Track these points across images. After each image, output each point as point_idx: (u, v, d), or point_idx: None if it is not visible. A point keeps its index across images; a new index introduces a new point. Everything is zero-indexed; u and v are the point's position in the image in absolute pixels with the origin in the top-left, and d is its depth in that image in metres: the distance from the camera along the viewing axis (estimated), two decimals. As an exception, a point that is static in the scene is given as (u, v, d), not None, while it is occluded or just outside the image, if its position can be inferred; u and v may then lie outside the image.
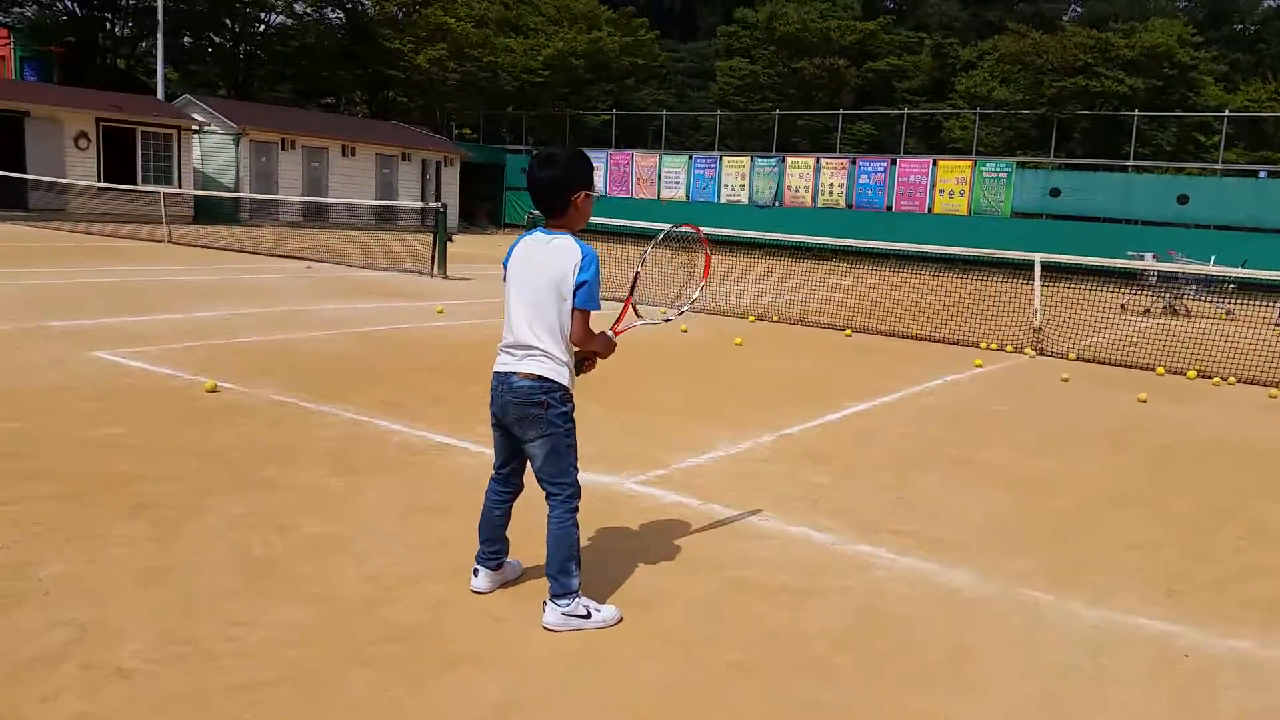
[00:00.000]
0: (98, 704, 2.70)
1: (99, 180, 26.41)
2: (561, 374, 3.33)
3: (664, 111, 41.88)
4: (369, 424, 5.96)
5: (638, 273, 3.90)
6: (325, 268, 16.65)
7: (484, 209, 38.59)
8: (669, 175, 36.69)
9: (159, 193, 22.64)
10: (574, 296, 3.26)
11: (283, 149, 31.26)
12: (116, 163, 27.20)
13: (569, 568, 3.34)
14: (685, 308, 4.11)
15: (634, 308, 3.86)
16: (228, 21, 37.93)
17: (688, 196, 36.12)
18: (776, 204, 34.26)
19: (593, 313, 3.32)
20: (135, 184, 26.75)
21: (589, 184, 3.38)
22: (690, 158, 36.74)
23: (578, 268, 3.25)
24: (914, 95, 42.33)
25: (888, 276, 22.58)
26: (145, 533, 3.97)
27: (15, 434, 5.25)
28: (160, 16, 30.84)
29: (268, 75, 41.17)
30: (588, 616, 3.35)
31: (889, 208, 32.28)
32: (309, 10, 39.73)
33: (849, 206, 33.08)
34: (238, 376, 7.04)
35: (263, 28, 39.55)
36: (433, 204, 16.57)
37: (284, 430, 5.72)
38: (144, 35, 35.01)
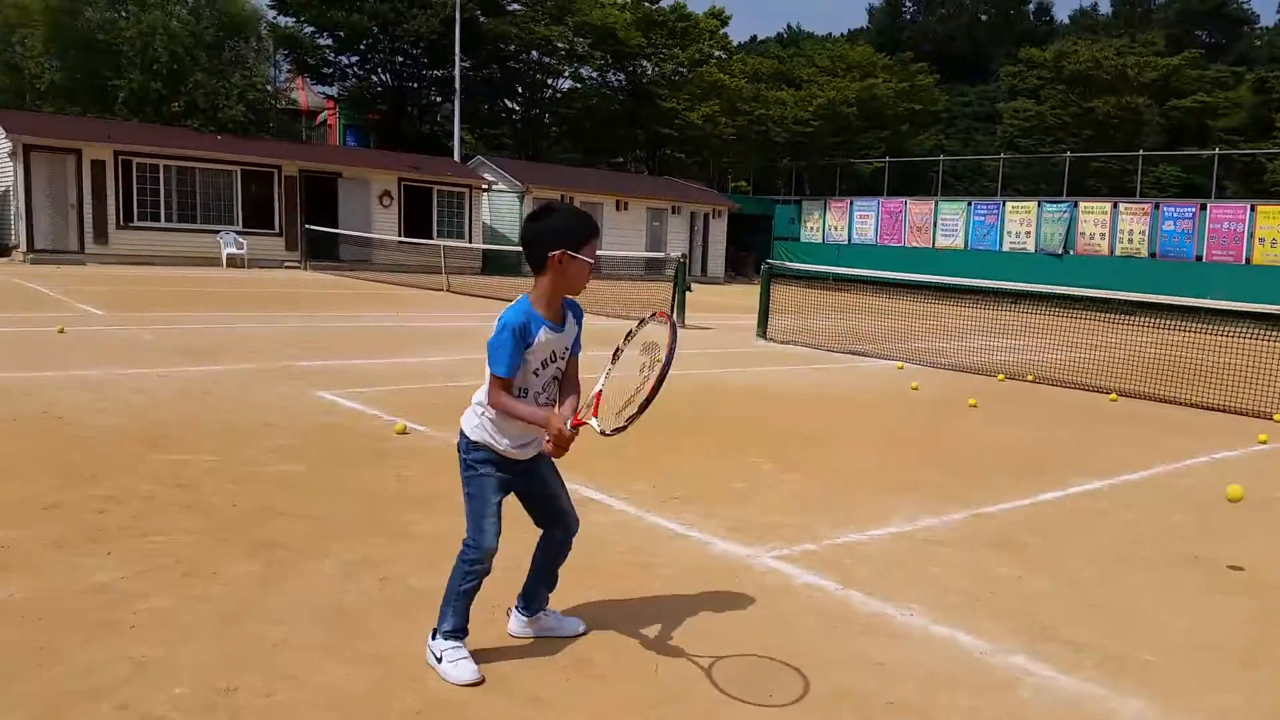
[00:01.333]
0: (107, 752, 2.68)
1: (399, 234, 29.05)
2: (468, 423, 3.30)
3: (941, 156, 40.25)
4: (528, 475, 5.87)
5: (615, 356, 3.24)
6: (573, 316, 17.18)
7: (750, 259, 38.76)
8: (945, 222, 35.09)
9: (439, 246, 24.51)
10: None
11: (561, 204, 33.00)
12: (416, 218, 29.84)
13: (444, 610, 3.30)
14: (623, 424, 3.06)
15: (596, 402, 3.16)
16: (519, 88, 40.85)
17: (966, 245, 34.35)
18: (1068, 252, 31.76)
19: (507, 380, 3.16)
20: (431, 238, 29.21)
21: (572, 244, 3.12)
22: (969, 204, 34.95)
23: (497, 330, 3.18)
24: (1231, 134, 37.97)
25: (1194, 335, 20.07)
26: (255, 573, 4.04)
27: (202, 468, 5.63)
28: (458, 85, 33.74)
29: (557, 136, 43.86)
30: (439, 661, 3.24)
31: (1199, 257, 28.97)
32: (593, 74, 42.03)
33: (1151, 255, 30.05)
34: (432, 419, 7.23)
35: (550, 93, 42.23)
36: (674, 254, 16.65)
37: (445, 476, 5.72)
38: (445, 102, 38.48)
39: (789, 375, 11.05)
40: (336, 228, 27.62)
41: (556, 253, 3.09)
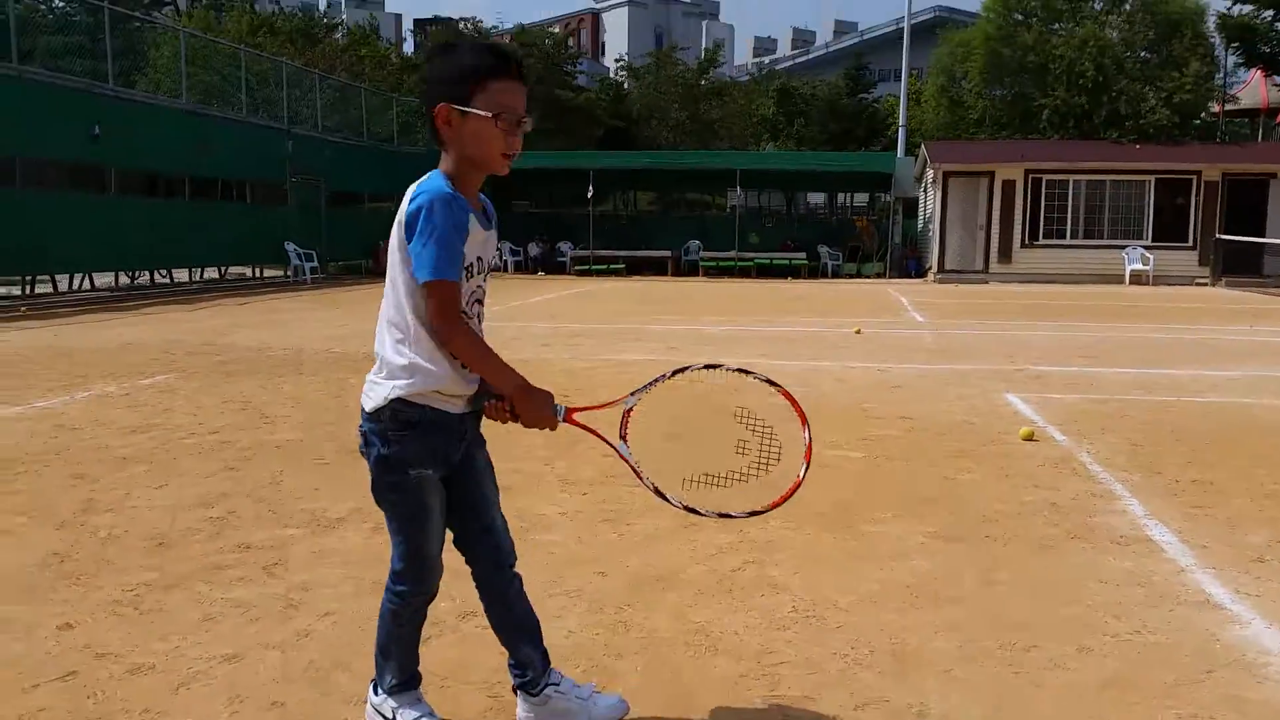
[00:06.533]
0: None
1: (1355, 241, 23.86)
2: (379, 390, 2.17)
3: None
4: (1111, 499, 4.54)
5: (663, 377, 2.40)
6: None
7: None
8: None
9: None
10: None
11: None
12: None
13: (379, 658, 2.40)
14: (704, 513, 2.37)
15: (625, 420, 2.41)
16: None
17: None
18: None
19: (455, 288, 2.09)
20: None
21: (457, 92, 2.08)
22: None
23: (404, 220, 2.09)
24: None
25: None
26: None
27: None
28: None
29: None
30: None
31: None
32: None
33: None
34: (1093, 433, 6.01)
35: None
36: None
37: (1006, 484, 4.80)
38: None
39: None
40: (1263, 236, 23.99)
41: (441, 109, 2.10)
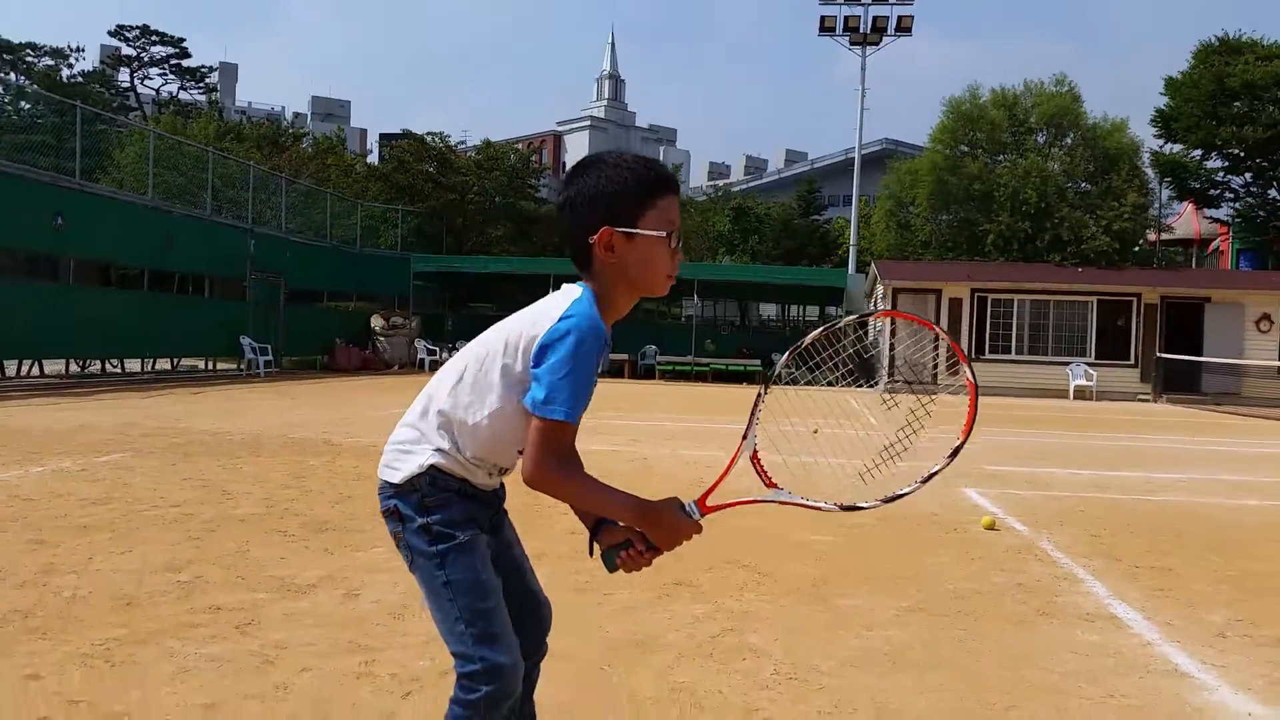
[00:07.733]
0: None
1: (1283, 362, 24.85)
2: (412, 459, 1.91)
3: None
4: (1074, 581, 4.64)
5: (760, 395, 2.20)
6: None
7: None
8: None
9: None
10: (530, 386, 1.82)
11: None
12: (1305, 344, 25.23)
13: None
14: (908, 489, 2.11)
15: (759, 466, 2.16)
16: None
17: None
18: None
19: (569, 427, 1.80)
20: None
21: (622, 214, 1.88)
22: None
23: (541, 337, 1.83)
24: None
25: None
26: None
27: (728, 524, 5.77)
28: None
29: None
30: None
31: None
32: None
33: None
34: (1052, 525, 6.15)
35: None
36: None
37: (972, 567, 4.88)
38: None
39: None
40: (1200, 355, 24.89)
41: (604, 234, 1.89)
